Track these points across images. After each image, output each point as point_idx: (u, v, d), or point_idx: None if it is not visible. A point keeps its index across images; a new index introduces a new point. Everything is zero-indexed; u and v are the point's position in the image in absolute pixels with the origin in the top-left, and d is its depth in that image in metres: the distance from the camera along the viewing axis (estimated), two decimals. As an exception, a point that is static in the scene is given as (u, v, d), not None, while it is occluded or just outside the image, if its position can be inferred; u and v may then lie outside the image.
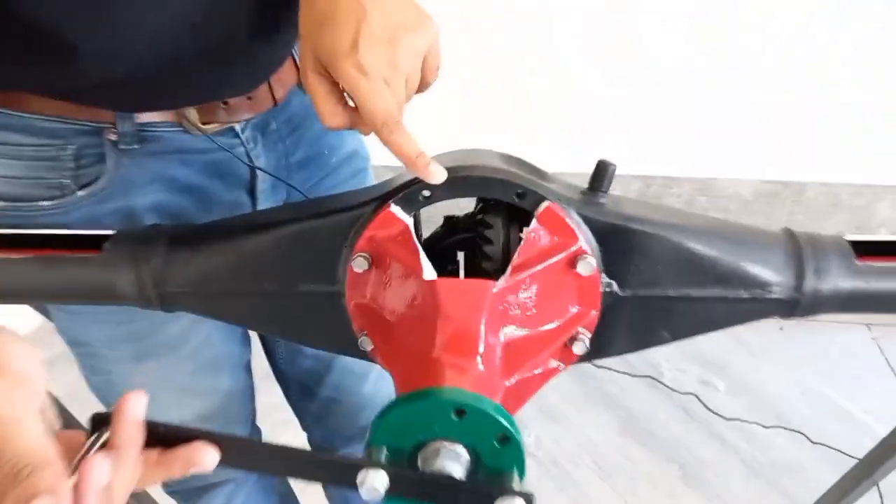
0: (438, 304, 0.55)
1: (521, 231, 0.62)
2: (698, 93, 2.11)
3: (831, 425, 2.14)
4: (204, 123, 0.76)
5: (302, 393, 1.16)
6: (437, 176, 0.56)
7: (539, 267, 0.59)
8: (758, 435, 2.11)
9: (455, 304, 0.55)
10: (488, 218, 0.63)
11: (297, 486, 1.46)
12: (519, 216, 0.63)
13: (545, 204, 0.60)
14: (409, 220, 0.61)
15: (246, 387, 1.05)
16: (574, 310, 0.64)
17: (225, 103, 0.77)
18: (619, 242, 0.63)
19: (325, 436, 1.22)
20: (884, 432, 1.11)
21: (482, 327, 0.54)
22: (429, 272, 0.57)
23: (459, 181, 0.60)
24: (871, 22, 1.99)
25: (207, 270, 0.66)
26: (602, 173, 0.63)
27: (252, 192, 0.86)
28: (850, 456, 1.98)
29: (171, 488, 1.13)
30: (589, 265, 0.61)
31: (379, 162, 0.90)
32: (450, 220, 0.69)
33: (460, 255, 0.69)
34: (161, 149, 0.76)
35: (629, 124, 2.17)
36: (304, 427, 1.25)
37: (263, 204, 0.87)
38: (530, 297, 0.60)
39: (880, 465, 1.19)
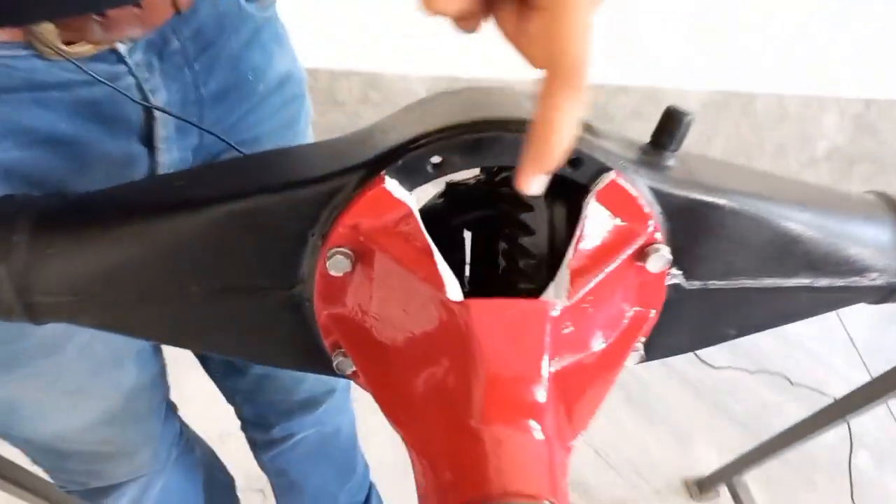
0: (474, 342, 0.36)
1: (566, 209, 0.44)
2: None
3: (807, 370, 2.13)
4: (68, 44, 0.51)
5: (228, 371, 0.96)
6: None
7: (606, 269, 0.41)
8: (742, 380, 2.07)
9: (503, 342, 0.36)
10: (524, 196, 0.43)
11: (229, 458, 1.28)
12: (562, 190, 0.44)
13: (609, 176, 0.42)
14: (412, 202, 0.41)
15: (156, 374, 0.84)
16: (630, 314, 0.47)
17: (101, 15, 0.51)
18: (694, 222, 0.46)
19: (259, 411, 1.04)
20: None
21: (544, 374, 0.36)
22: (453, 290, 0.38)
23: (489, 142, 0.40)
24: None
25: (97, 268, 0.44)
26: (673, 125, 0.45)
27: (149, 142, 0.62)
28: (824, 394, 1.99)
29: (67, 487, 0.92)
30: (662, 259, 0.44)
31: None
32: (454, 188, 0.49)
33: (467, 238, 0.49)
34: (5, 85, 0.51)
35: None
36: (233, 403, 1.06)
37: (167, 156, 0.63)
38: (588, 310, 0.43)
39: (856, 407, 1.15)
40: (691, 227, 0.46)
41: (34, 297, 0.44)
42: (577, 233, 0.41)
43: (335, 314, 0.44)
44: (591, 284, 0.40)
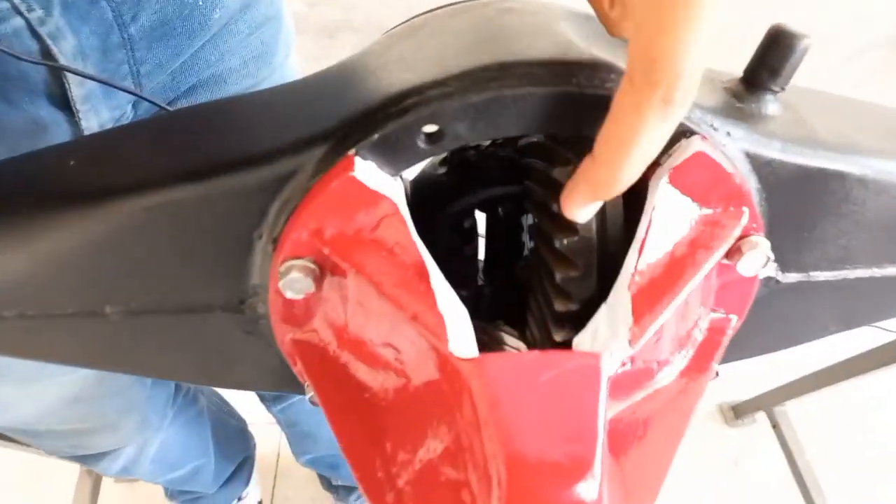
0: (489, 415, 0.24)
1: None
2: None
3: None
4: None
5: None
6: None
7: (686, 287, 0.28)
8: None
9: (533, 416, 0.24)
10: (556, 172, 0.30)
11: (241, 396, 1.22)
12: None
13: (691, 143, 0.28)
14: (398, 192, 0.28)
15: None
16: (705, 324, 0.34)
17: None
18: (803, 197, 0.32)
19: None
20: None
21: (597, 463, 0.24)
22: (459, 335, 0.25)
23: (511, 102, 0.26)
24: None
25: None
26: (781, 54, 0.30)
27: (66, 103, 0.47)
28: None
29: (66, 453, 0.85)
30: (760, 257, 0.30)
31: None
32: (462, 155, 0.35)
33: (481, 222, 0.36)
34: None
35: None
36: None
37: (94, 120, 0.48)
38: (652, 339, 0.30)
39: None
40: (799, 204, 0.32)
41: None
42: (642, 234, 0.28)
43: (301, 341, 0.32)
44: (665, 315, 0.27)
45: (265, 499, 1.36)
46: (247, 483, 1.25)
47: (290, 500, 1.39)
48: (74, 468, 1.24)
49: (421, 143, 0.27)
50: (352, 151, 0.27)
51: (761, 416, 1.56)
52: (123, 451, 0.87)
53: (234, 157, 0.29)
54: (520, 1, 0.33)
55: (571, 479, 0.23)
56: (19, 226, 0.31)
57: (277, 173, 0.28)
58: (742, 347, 0.39)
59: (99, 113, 0.48)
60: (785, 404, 1.45)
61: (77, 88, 0.45)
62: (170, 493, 1.19)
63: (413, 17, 0.34)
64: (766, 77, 0.31)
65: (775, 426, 1.46)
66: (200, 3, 0.50)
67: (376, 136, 0.27)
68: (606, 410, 0.25)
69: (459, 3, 0.34)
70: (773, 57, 0.31)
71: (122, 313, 0.33)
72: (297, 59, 0.68)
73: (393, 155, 0.27)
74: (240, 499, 1.25)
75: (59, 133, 0.47)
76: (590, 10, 0.32)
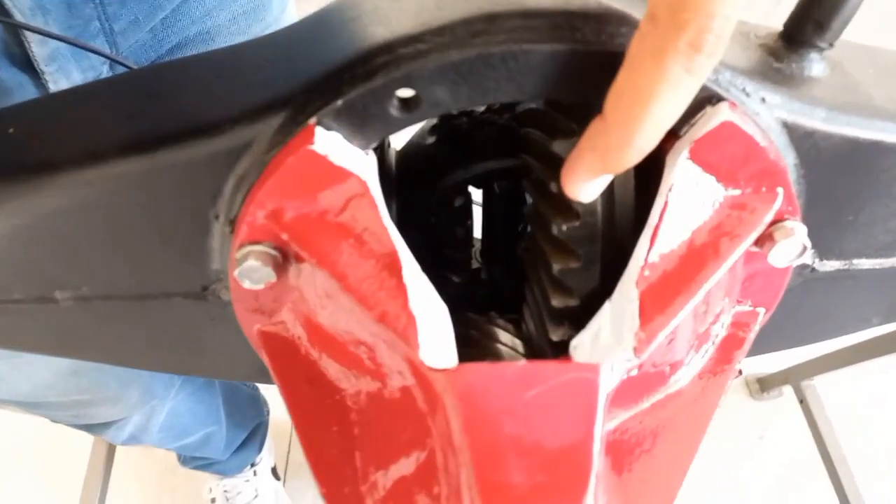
0: (466, 433, 0.20)
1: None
2: None
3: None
4: None
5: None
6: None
7: (705, 285, 0.23)
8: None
9: (517, 433, 0.20)
10: (556, 145, 0.25)
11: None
12: None
13: (719, 112, 0.23)
14: (368, 167, 0.24)
15: None
16: (728, 318, 0.30)
17: None
18: (850, 174, 0.28)
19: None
20: None
21: (590, 489, 0.20)
22: (435, 348, 0.21)
23: (501, 60, 0.22)
24: None
25: None
26: (830, 2, 0.25)
27: (30, 65, 0.43)
28: None
29: (69, 422, 0.84)
30: (796, 247, 0.26)
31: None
32: (451, 122, 0.31)
33: (477, 198, 0.32)
34: None
35: None
36: None
37: (64, 82, 0.44)
38: (666, 340, 0.26)
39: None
40: (844, 182, 0.28)
41: None
42: (655, 219, 0.23)
43: (268, 332, 0.29)
44: (679, 318, 0.22)
45: (279, 464, 1.36)
46: (259, 449, 1.25)
47: (304, 466, 1.39)
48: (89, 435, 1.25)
49: (394, 111, 0.23)
50: (312, 120, 0.23)
51: (788, 390, 1.51)
52: (130, 420, 0.86)
53: (182, 126, 0.25)
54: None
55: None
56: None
57: (230, 145, 0.24)
58: (770, 341, 0.35)
59: (69, 74, 0.44)
60: (813, 379, 1.40)
61: (38, 48, 0.41)
62: (182, 459, 1.18)
63: None
64: (812, 31, 0.26)
65: (802, 401, 1.41)
66: None
67: (340, 102, 0.23)
68: (603, 432, 0.21)
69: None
70: (821, 7, 0.26)
71: (74, 299, 0.30)
72: (295, 10, 0.63)
73: (361, 124, 0.23)
74: (253, 464, 1.25)
75: (26, 97, 0.44)
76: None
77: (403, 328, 0.21)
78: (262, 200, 0.24)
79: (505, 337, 0.29)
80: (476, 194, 0.33)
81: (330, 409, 0.27)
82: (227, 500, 1.26)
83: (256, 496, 1.26)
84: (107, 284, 0.29)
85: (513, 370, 0.20)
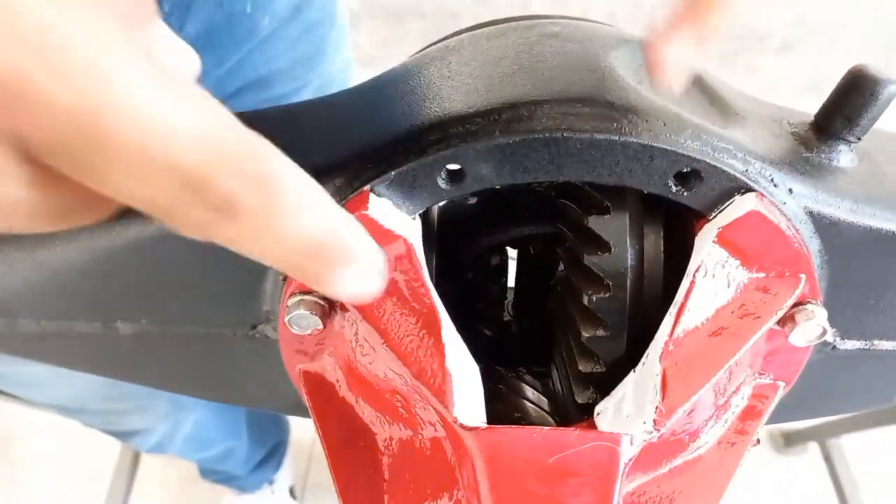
0: (491, 492, 0.22)
1: (667, 236, 0.28)
2: None
3: None
4: None
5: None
6: None
7: (726, 364, 0.25)
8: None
9: (540, 495, 0.22)
10: (591, 220, 0.27)
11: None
12: (659, 213, 0.28)
13: (746, 201, 0.25)
14: (416, 230, 0.26)
15: None
16: (748, 391, 0.31)
17: None
18: (870, 261, 0.29)
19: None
20: None
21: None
22: (467, 407, 0.23)
23: (531, 148, 0.24)
24: None
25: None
26: (860, 101, 0.27)
27: None
28: None
29: (100, 428, 0.87)
30: (816, 329, 0.27)
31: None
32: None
33: (512, 258, 0.34)
34: None
35: None
36: None
37: None
38: (686, 412, 0.27)
39: None
40: (866, 268, 0.29)
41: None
42: (681, 297, 0.25)
43: (311, 373, 0.31)
44: (699, 394, 0.24)
45: (297, 483, 1.38)
46: (278, 467, 1.27)
47: (322, 487, 1.40)
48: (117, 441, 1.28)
49: (441, 183, 0.25)
50: (367, 188, 0.25)
51: (813, 447, 1.48)
52: (157, 429, 0.89)
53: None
54: (567, 24, 0.30)
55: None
56: (31, 239, 0.30)
57: (290, 203, 0.27)
58: (790, 412, 0.36)
59: None
60: (840, 437, 1.37)
61: None
62: (203, 472, 1.21)
63: (452, 35, 0.32)
64: (841, 126, 0.28)
65: (827, 458, 1.39)
66: (249, 10, 0.48)
67: (393, 173, 0.25)
68: (621, 497, 0.22)
69: (502, 21, 0.32)
70: (851, 104, 0.27)
71: (133, 330, 0.32)
72: (352, 54, 0.66)
73: (410, 193, 0.25)
74: (271, 482, 1.27)
75: None
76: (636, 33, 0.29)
77: (439, 386, 0.23)
78: (315, 256, 0.26)
79: (532, 394, 0.30)
80: (511, 252, 0.35)
81: (363, 451, 0.28)
82: (244, 515, 1.28)
83: (273, 514, 1.28)
84: (165, 319, 0.31)
85: (539, 435, 0.22)
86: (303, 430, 1.42)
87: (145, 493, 1.35)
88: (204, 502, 1.37)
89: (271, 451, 1.22)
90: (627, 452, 0.22)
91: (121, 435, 0.89)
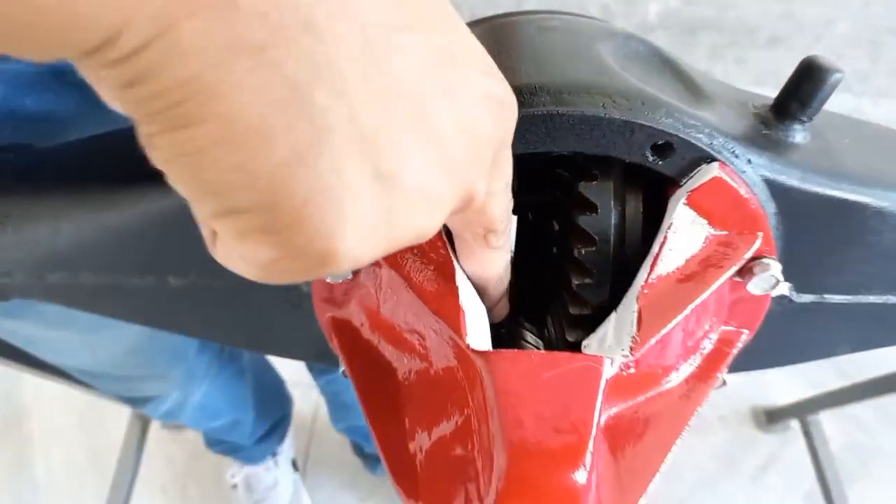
0: (497, 403, 0.27)
1: (644, 197, 0.32)
2: None
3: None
4: None
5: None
6: None
7: (691, 304, 0.30)
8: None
9: (535, 407, 0.27)
10: (581, 185, 0.32)
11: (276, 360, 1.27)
12: (640, 179, 0.33)
13: (710, 169, 0.30)
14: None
15: None
16: (716, 335, 0.36)
17: None
18: (822, 224, 0.34)
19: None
20: None
21: (588, 454, 0.26)
22: (476, 332, 0.28)
23: (531, 124, 0.28)
24: None
25: (47, 251, 0.36)
26: (812, 86, 0.31)
27: None
28: None
29: (118, 395, 0.92)
30: (770, 280, 0.32)
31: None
32: None
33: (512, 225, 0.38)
34: None
35: None
36: None
37: None
38: (658, 347, 0.32)
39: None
40: (816, 230, 0.34)
41: (-10, 277, 0.37)
42: (655, 249, 0.30)
43: (338, 319, 0.36)
44: (668, 328, 0.29)
45: (298, 457, 1.43)
46: (281, 441, 1.32)
47: (323, 461, 1.45)
48: (124, 417, 1.33)
49: (456, 152, 0.29)
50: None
51: (796, 424, 1.55)
52: (169, 397, 0.93)
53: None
54: (564, 19, 0.35)
55: (565, 467, 0.26)
56: (93, 200, 0.35)
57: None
58: (753, 359, 0.41)
59: None
60: (819, 413, 1.44)
61: None
62: (209, 442, 1.26)
63: (490, 19, 0.37)
64: (796, 108, 0.32)
65: (807, 434, 1.45)
66: None
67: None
68: (603, 409, 0.27)
69: (503, 16, 0.36)
70: (804, 89, 0.32)
71: (182, 283, 0.37)
72: None
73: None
74: (274, 454, 1.32)
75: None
76: (629, 27, 0.34)
77: (455, 318, 0.28)
78: (348, 214, 0.31)
79: (529, 336, 0.35)
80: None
81: (385, 383, 0.33)
82: (248, 485, 1.33)
83: (276, 485, 1.33)
84: (212, 274, 0.36)
85: (536, 356, 0.27)
86: (306, 406, 1.47)
87: (153, 468, 1.40)
88: (209, 476, 1.42)
89: (275, 425, 1.27)
90: (608, 371, 0.27)
91: (136, 401, 0.93)
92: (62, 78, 0.45)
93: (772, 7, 1.94)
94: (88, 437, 1.47)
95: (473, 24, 0.37)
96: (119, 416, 1.37)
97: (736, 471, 1.53)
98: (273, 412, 1.26)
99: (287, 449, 1.36)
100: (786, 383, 1.66)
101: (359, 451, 1.37)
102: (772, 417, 1.59)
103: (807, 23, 1.94)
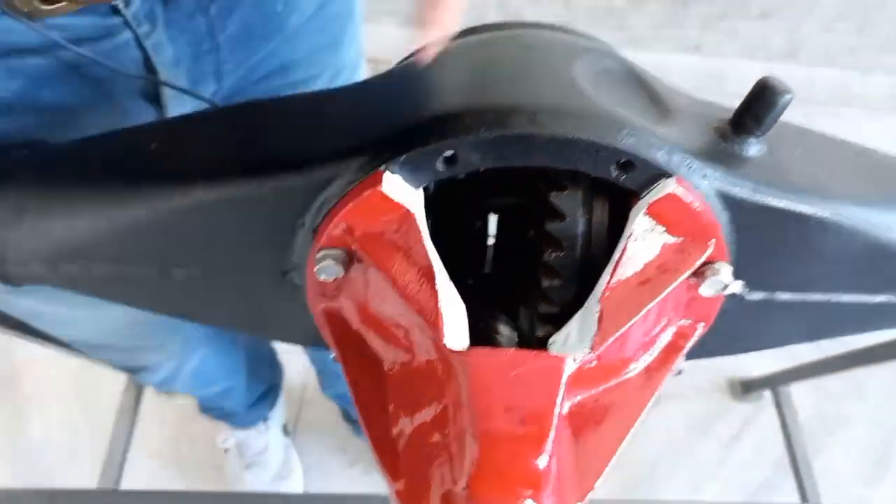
0: (471, 396, 0.30)
1: (608, 206, 0.36)
2: None
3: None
4: (46, 2, 0.41)
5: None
6: None
7: (648, 305, 0.33)
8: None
9: (504, 400, 0.30)
10: (552, 195, 0.35)
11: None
12: (606, 190, 0.36)
13: (668, 184, 0.33)
14: (417, 202, 0.33)
15: None
16: (674, 328, 0.40)
17: None
18: (770, 232, 0.37)
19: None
20: None
21: (548, 443, 0.30)
22: (454, 331, 0.31)
23: (508, 142, 0.31)
24: None
25: (63, 244, 0.39)
26: (764, 106, 0.34)
27: (157, 99, 0.54)
28: None
29: (117, 364, 0.96)
30: (720, 283, 0.36)
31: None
32: None
33: (492, 222, 0.42)
34: None
35: None
36: None
37: (179, 112, 0.55)
38: (618, 343, 0.36)
39: None
40: (766, 236, 0.37)
41: (7, 268, 0.40)
42: (616, 256, 0.33)
43: (329, 309, 0.39)
44: (626, 327, 0.32)
45: (290, 422, 1.48)
46: (272, 407, 1.36)
47: (313, 426, 1.50)
48: (120, 379, 1.36)
49: (439, 166, 0.32)
50: (382, 168, 0.33)
51: (768, 395, 1.61)
52: (166, 365, 0.97)
53: (287, 159, 0.35)
54: (541, 37, 0.37)
55: (529, 453, 0.30)
56: (104, 196, 0.38)
57: (322, 177, 0.34)
58: (710, 348, 0.44)
59: (184, 107, 0.56)
60: (790, 385, 1.50)
61: (169, 90, 0.53)
62: (203, 408, 1.30)
63: (452, 38, 0.39)
64: (751, 123, 0.35)
65: (778, 405, 1.51)
66: (279, 9, 0.56)
67: (403, 157, 0.32)
68: (565, 400, 0.31)
69: (486, 29, 0.39)
70: (758, 107, 0.35)
71: (186, 274, 0.40)
72: (363, 45, 0.73)
73: (415, 172, 0.33)
74: (265, 419, 1.37)
75: (144, 121, 0.55)
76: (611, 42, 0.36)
77: (434, 320, 0.31)
78: (339, 219, 0.34)
79: (504, 329, 0.39)
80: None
81: (372, 371, 0.37)
82: (240, 449, 1.38)
83: (267, 448, 1.38)
84: (213, 266, 0.39)
85: (506, 355, 0.30)
86: (297, 373, 1.51)
87: (148, 431, 1.44)
88: (202, 440, 1.47)
89: (266, 392, 1.31)
90: (569, 368, 0.31)
91: (134, 370, 0.97)
92: (78, 71, 0.47)
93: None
94: (84, 395, 1.51)
95: (458, 36, 0.39)
96: (114, 375, 1.41)
97: (708, 437, 1.60)
98: (265, 379, 1.30)
99: (278, 414, 1.41)
100: (764, 354, 1.72)
101: (347, 417, 1.42)
102: (747, 388, 1.65)
103: (797, -4, 1.95)
